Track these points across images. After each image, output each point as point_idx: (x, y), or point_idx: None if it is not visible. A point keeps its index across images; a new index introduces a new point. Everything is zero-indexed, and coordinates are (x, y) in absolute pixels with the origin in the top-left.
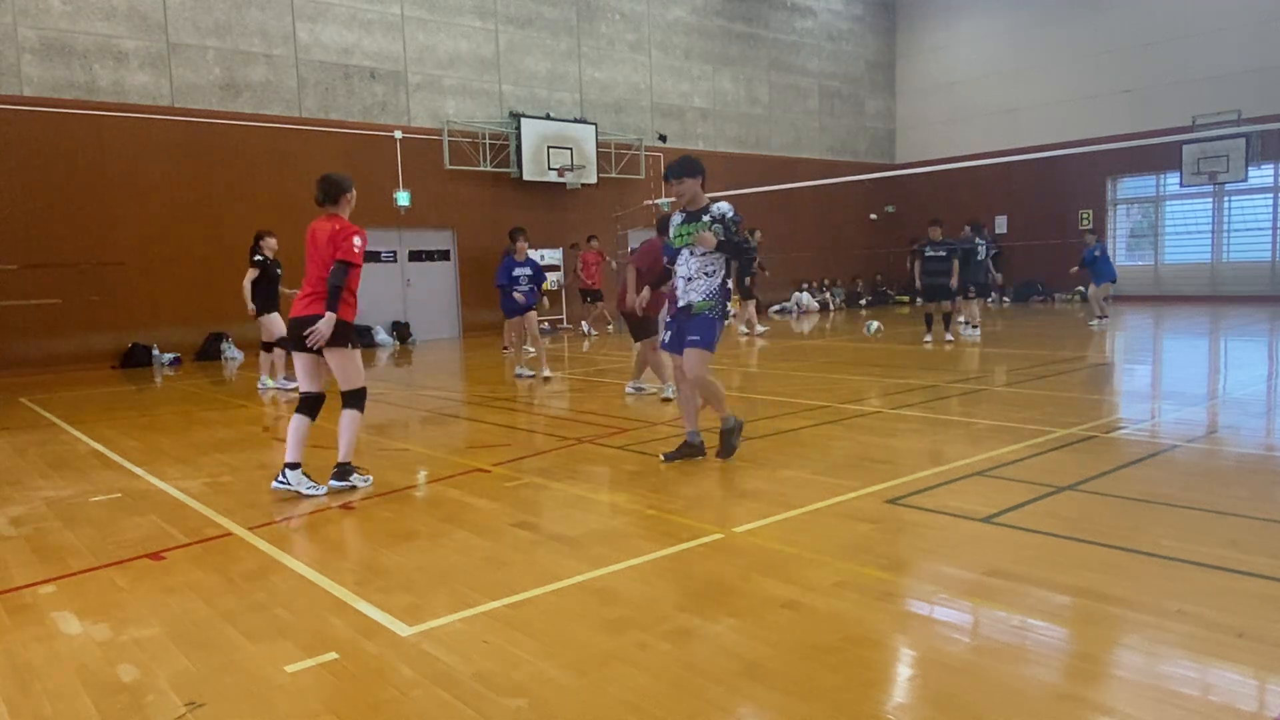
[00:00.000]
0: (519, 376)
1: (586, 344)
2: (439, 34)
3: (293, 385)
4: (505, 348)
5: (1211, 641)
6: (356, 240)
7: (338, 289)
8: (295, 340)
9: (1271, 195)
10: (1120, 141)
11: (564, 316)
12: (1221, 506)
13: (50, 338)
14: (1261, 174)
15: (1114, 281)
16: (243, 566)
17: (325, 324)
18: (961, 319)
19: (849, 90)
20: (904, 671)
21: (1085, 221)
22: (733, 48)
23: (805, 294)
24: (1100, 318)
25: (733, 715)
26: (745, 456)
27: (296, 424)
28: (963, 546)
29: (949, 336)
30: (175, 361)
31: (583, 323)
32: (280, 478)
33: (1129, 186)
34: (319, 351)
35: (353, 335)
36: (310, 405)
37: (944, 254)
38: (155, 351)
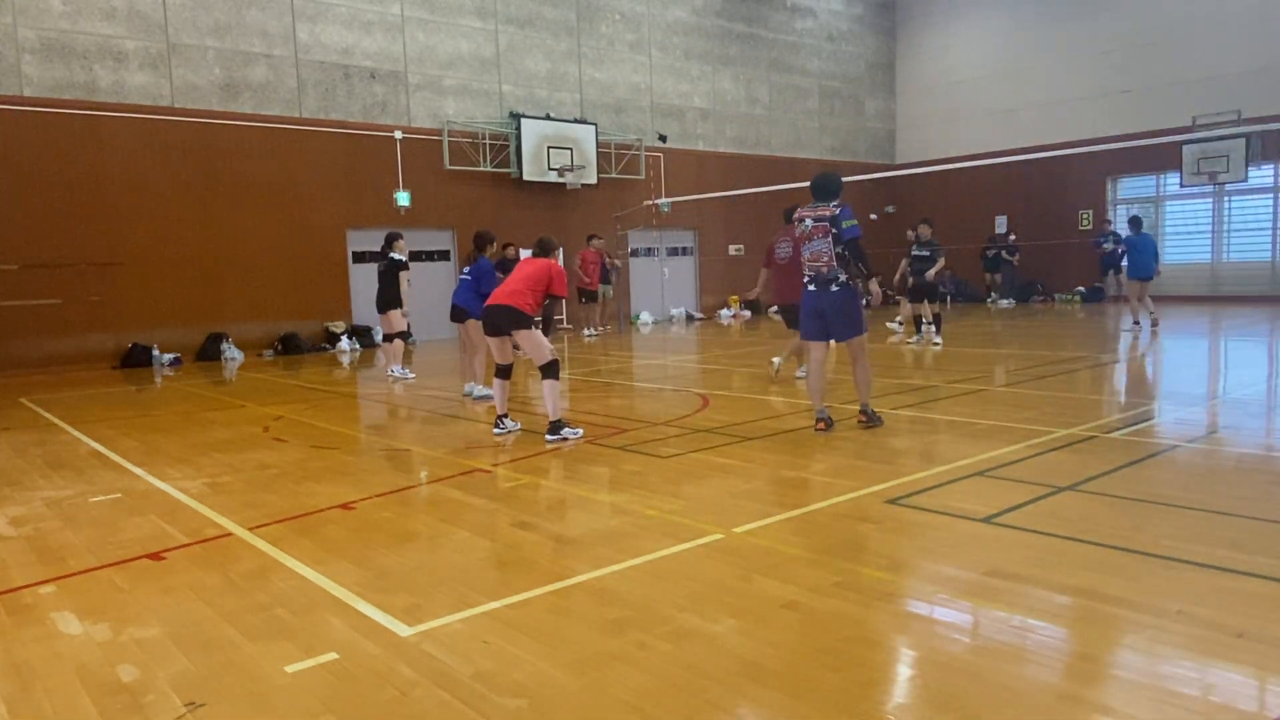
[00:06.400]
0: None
1: (589, 343)
2: (439, 34)
3: (409, 374)
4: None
5: (1211, 641)
6: (565, 278)
7: (550, 319)
8: (490, 325)
9: (1271, 195)
10: (1120, 141)
11: (564, 316)
12: (1221, 506)
13: (50, 338)
14: (1261, 174)
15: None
16: (243, 566)
17: (530, 339)
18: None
19: (849, 90)
20: (904, 671)
21: (1085, 222)
22: (733, 48)
23: None
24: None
25: (733, 715)
26: (744, 457)
27: (499, 386)
28: (963, 546)
29: (936, 339)
30: (175, 361)
31: (586, 328)
32: (498, 426)
33: (1129, 186)
34: (508, 334)
35: (539, 324)
36: (505, 372)
37: (927, 254)
38: (155, 351)
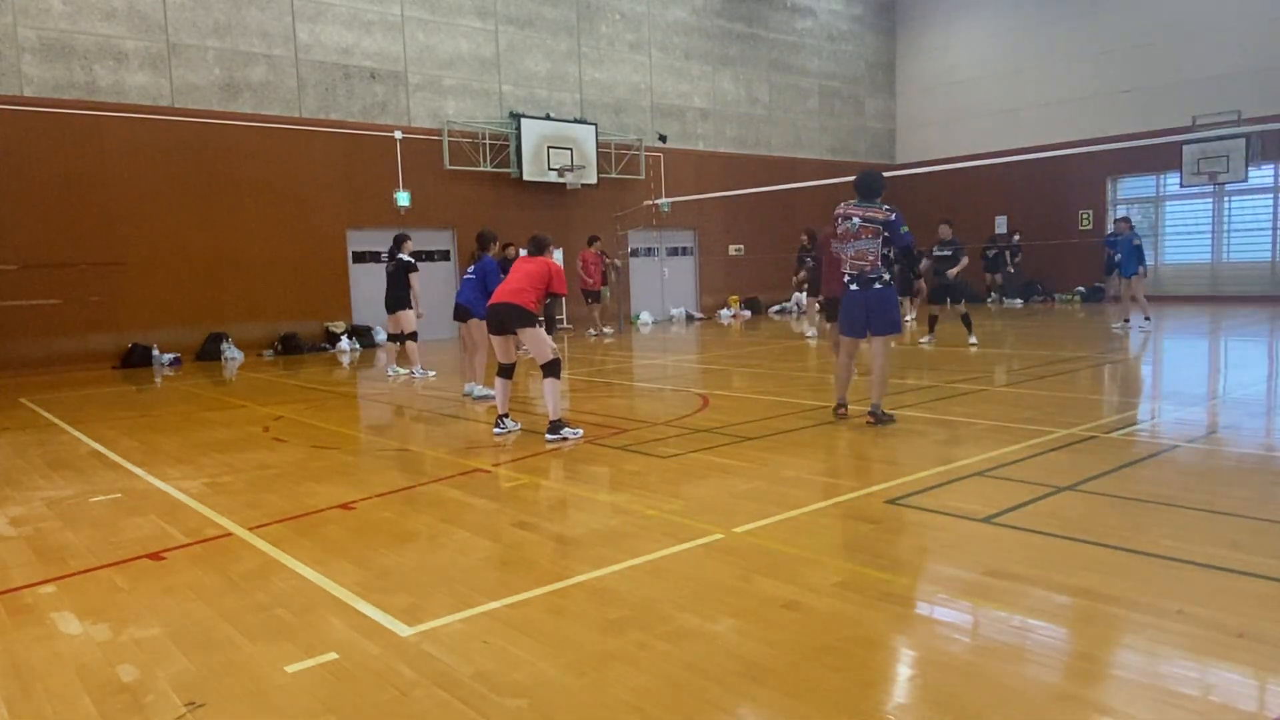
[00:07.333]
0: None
1: (591, 343)
2: (439, 34)
3: (430, 373)
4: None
5: (1211, 641)
6: (564, 275)
7: (552, 318)
8: (495, 324)
9: (1271, 195)
10: (1120, 141)
11: (564, 316)
12: (1221, 506)
13: (50, 338)
14: (1261, 174)
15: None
16: (243, 566)
17: (535, 337)
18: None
19: (849, 90)
20: (904, 671)
21: (1085, 222)
22: (733, 48)
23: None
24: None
25: (733, 715)
26: (744, 457)
27: (500, 385)
28: (963, 546)
29: (973, 339)
30: (175, 361)
31: (590, 330)
32: (498, 426)
33: (1129, 186)
34: (513, 332)
35: (541, 320)
36: (507, 371)
37: (949, 254)
38: (155, 351)
